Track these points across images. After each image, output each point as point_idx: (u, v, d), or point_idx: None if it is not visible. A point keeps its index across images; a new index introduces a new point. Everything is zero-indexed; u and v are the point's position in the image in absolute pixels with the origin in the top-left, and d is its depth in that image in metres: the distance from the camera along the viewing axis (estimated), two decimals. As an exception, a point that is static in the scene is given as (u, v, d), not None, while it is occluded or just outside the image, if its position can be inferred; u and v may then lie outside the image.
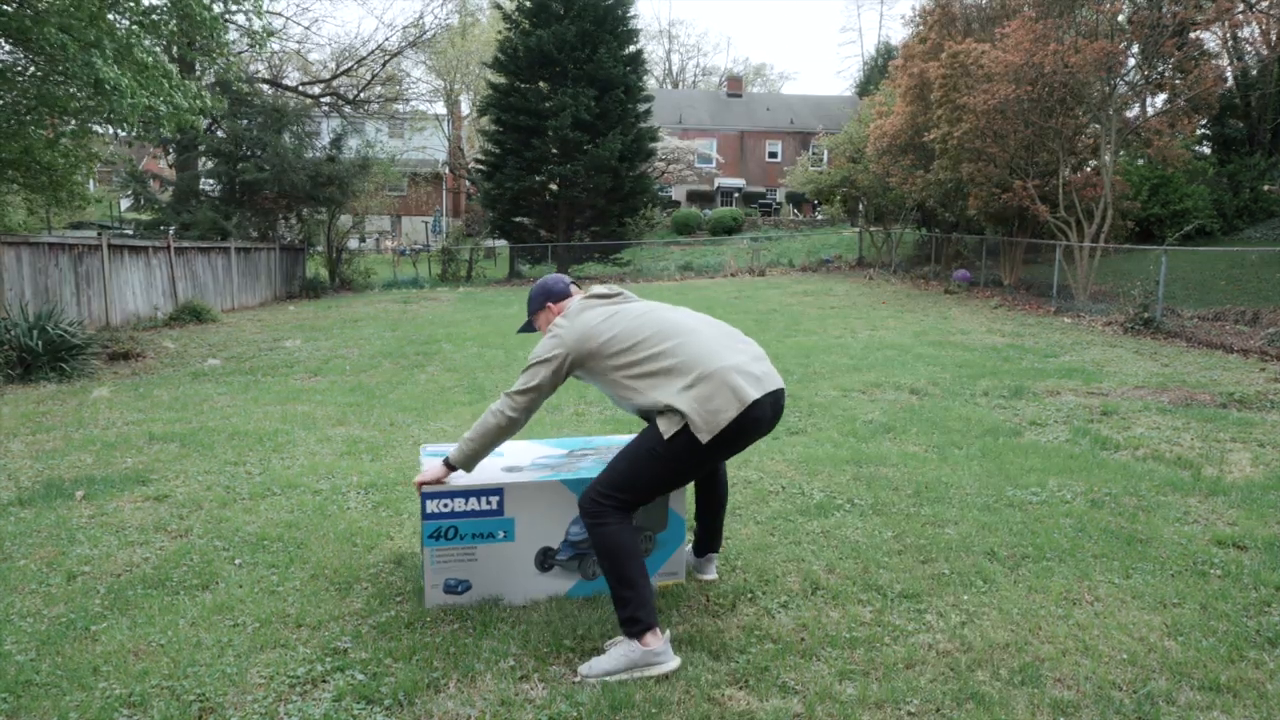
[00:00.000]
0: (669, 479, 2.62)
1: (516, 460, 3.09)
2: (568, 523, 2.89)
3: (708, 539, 3.12)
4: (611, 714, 2.24)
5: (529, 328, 3.07)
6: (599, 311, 2.75)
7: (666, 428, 2.50)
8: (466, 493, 2.79)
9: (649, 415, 2.61)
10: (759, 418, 2.52)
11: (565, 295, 2.96)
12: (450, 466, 2.78)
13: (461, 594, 2.86)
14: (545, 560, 2.91)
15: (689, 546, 3.20)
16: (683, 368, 2.53)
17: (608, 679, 2.41)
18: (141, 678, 2.43)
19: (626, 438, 3.26)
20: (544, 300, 2.96)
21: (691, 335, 2.62)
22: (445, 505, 2.79)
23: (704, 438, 2.44)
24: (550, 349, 2.68)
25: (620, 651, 2.46)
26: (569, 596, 2.92)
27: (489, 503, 2.82)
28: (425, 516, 2.79)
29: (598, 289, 2.89)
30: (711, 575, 3.13)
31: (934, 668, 2.48)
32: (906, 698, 2.32)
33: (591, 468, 2.96)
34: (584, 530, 2.75)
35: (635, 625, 2.47)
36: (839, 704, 2.29)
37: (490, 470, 2.93)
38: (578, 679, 2.43)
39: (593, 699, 2.30)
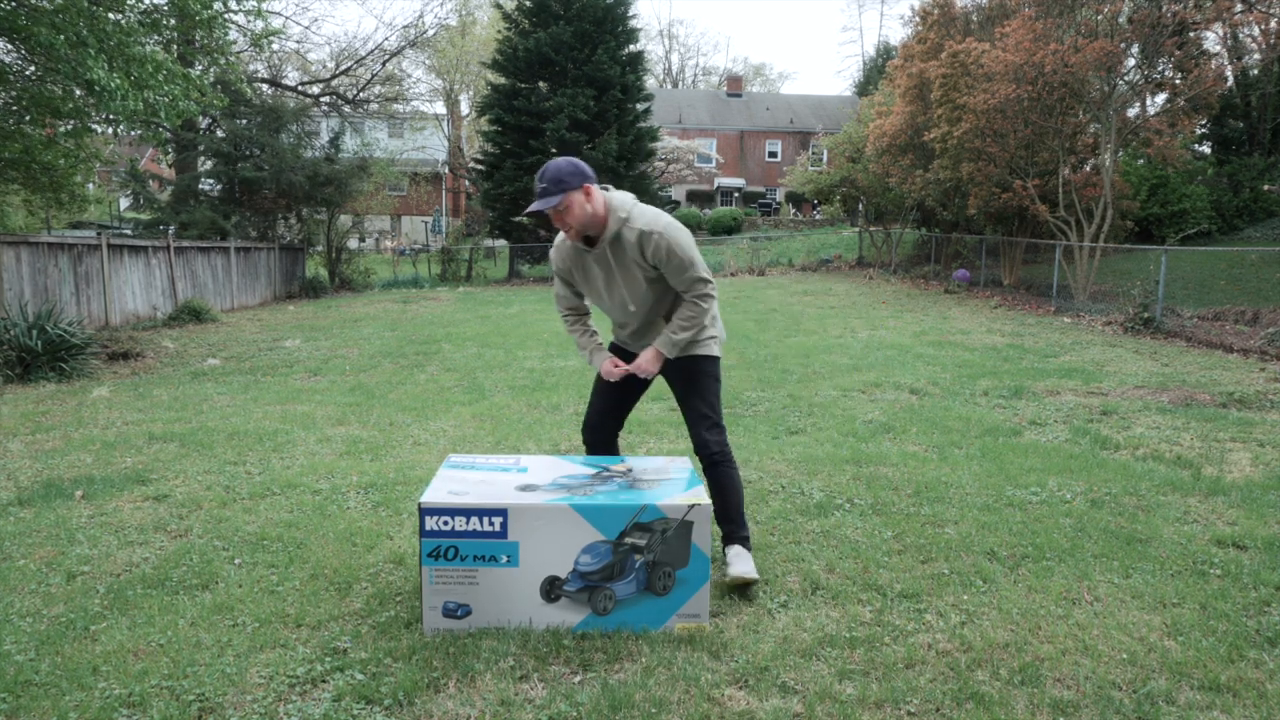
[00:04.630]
0: None
1: (536, 478, 2.91)
2: (577, 551, 2.66)
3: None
4: (611, 714, 2.24)
5: (541, 209, 2.80)
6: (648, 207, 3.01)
7: (718, 349, 3.14)
8: (468, 511, 2.63)
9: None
10: None
11: (594, 182, 2.88)
12: (663, 355, 3.04)
13: (461, 618, 2.69)
14: (552, 591, 2.69)
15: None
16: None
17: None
18: (141, 678, 2.43)
19: (659, 459, 3.21)
20: (583, 180, 2.81)
21: None
22: (445, 523, 2.63)
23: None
24: (689, 240, 2.95)
25: (749, 558, 3.02)
26: (576, 631, 2.68)
27: (492, 524, 2.64)
28: (424, 534, 2.64)
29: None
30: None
31: (934, 668, 2.48)
32: (906, 697, 2.32)
33: (614, 492, 2.77)
34: (595, 561, 2.66)
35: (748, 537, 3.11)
36: (839, 704, 2.29)
37: (501, 489, 2.78)
38: (732, 578, 2.92)
39: (592, 699, 2.30)
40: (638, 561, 2.68)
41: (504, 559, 2.67)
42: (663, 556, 2.70)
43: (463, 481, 2.86)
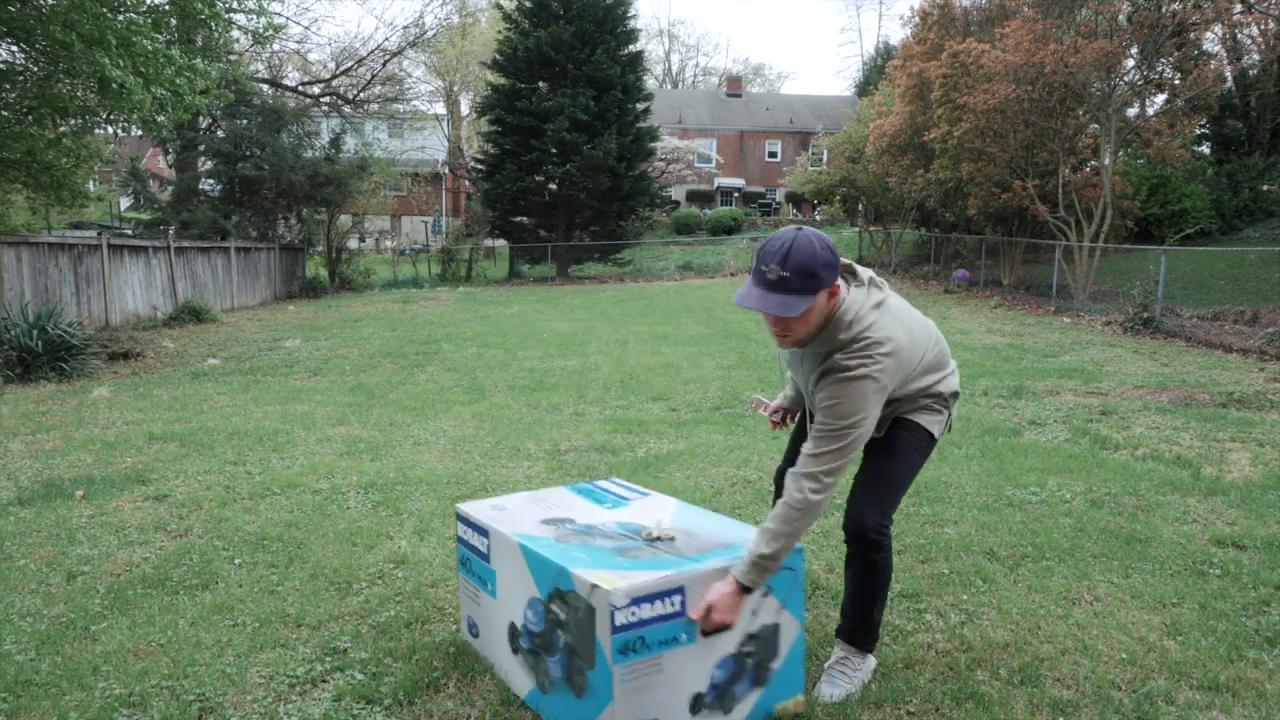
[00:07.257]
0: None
1: (596, 518, 2.45)
2: (525, 602, 2.22)
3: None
4: (611, 714, 2.24)
5: (772, 312, 2.04)
6: (888, 316, 2.14)
7: (935, 424, 2.36)
8: (474, 526, 2.50)
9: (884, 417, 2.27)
10: None
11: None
12: (746, 589, 2.04)
13: (475, 637, 2.54)
14: (512, 640, 2.32)
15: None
16: (943, 357, 2.40)
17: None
18: (141, 677, 2.43)
19: (693, 508, 2.58)
20: (834, 277, 2.04)
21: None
22: (464, 534, 2.53)
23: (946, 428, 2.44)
24: (870, 400, 2.05)
25: (858, 664, 2.38)
26: (526, 703, 2.26)
27: (480, 542, 2.44)
28: (459, 542, 2.54)
29: (844, 260, 2.16)
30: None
31: (934, 667, 2.48)
32: (906, 697, 2.32)
33: (593, 545, 2.21)
34: (536, 620, 2.18)
35: (875, 642, 2.42)
36: (839, 703, 2.29)
37: (538, 513, 2.50)
38: (827, 700, 2.28)
39: (592, 699, 2.30)
40: (560, 639, 2.10)
41: (488, 585, 2.41)
42: (576, 642, 2.03)
43: (531, 501, 2.61)
